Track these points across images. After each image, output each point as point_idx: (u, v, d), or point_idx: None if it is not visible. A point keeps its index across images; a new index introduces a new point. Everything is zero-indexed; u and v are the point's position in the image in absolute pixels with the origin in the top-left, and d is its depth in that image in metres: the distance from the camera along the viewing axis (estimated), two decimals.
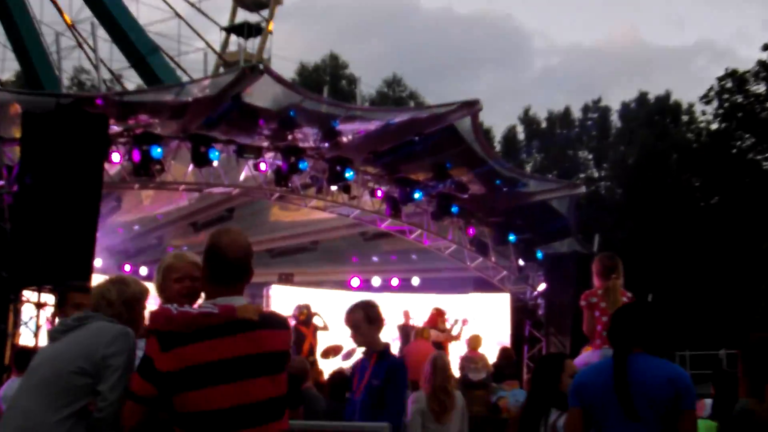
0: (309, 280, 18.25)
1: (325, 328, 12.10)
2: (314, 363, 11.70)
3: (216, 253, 3.02)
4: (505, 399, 10.79)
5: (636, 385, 3.48)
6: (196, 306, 3.14)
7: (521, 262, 17.41)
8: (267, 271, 17.54)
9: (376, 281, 19.09)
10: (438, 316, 13.31)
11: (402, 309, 16.07)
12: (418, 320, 15.08)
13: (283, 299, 16.20)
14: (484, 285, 17.79)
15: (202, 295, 3.15)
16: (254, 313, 2.96)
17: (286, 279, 17.77)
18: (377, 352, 5.14)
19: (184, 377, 2.84)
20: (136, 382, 2.92)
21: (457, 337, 13.66)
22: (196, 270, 3.45)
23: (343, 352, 13.87)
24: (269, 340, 2.98)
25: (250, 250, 3.08)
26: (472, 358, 11.82)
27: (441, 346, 12.25)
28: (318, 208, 15.38)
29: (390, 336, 16.62)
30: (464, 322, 14.03)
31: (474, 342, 12.26)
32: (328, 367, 12.67)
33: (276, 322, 3.09)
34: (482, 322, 15.92)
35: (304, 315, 13.37)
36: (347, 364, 13.59)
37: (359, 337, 5.24)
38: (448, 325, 13.63)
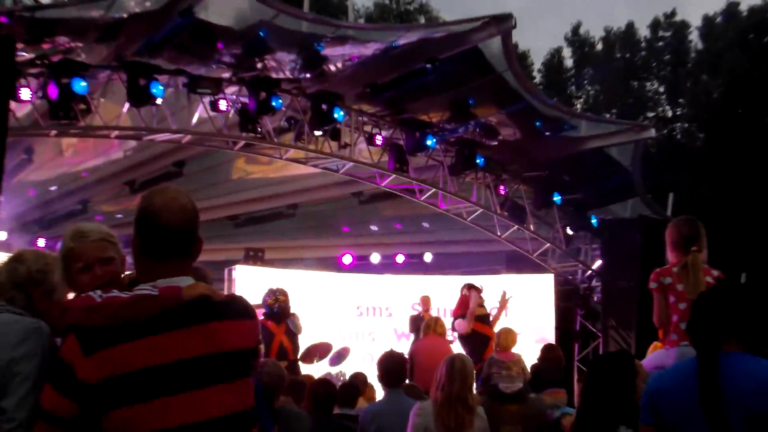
0: (285, 257, 18.58)
1: (297, 331, 12.07)
2: (295, 367, 11.73)
3: (147, 218, 3.00)
4: (571, 418, 10.78)
5: (730, 394, 3.44)
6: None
7: (569, 232, 17.74)
8: (229, 245, 17.91)
9: (375, 258, 19.59)
10: (475, 293, 13.05)
11: (410, 294, 16.46)
12: (442, 308, 15.32)
13: (251, 283, 16.41)
14: (519, 262, 18.16)
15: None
16: (210, 296, 2.97)
17: (254, 256, 17.96)
18: None
19: (116, 389, 2.79)
20: (50, 398, 2.82)
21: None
22: (108, 248, 3.45)
23: (332, 353, 14.15)
24: (230, 334, 2.98)
25: (194, 213, 3.07)
26: (503, 362, 10.99)
27: (485, 338, 12.38)
28: (297, 161, 15.50)
29: (399, 330, 17.30)
30: (503, 297, 14.10)
31: (505, 339, 11.45)
32: (309, 369, 12.98)
33: (238, 310, 3.09)
34: (518, 311, 16.20)
35: (277, 303, 12.82)
36: (336, 370, 14.18)
37: None
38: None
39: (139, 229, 3.01)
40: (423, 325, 12.26)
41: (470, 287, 13.10)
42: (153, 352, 2.83)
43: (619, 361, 4.99)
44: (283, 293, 12.16)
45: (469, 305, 12.78)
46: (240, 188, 17.63)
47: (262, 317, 11.85)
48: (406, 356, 8.32)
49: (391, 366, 7.51)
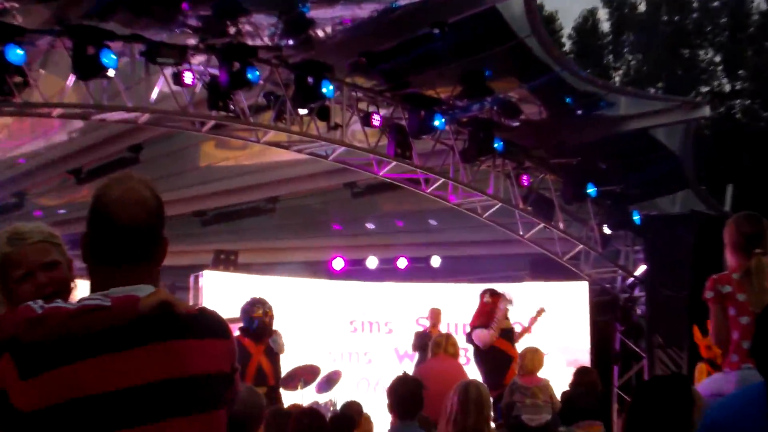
0: (264, 261, 18.62)
1: (279, 350, 12.02)
2: (275, 394, 11.65)
3: (102, 215, 2.98)
4: None
5: None
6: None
7: (607, 231, 17.74)
8: (196, 246, 17.95)
9: (372, 262, 19.71)
10: (494, 305, 13.17)
11: (414, 306, 16.71)
12: (453, 322, 15.43)
13: (221, 293, 16.39)
14: (546, 268, 18.24)
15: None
16: (173, 307, 2.92)
17: (226, 260, 18.10)
18: None
19: (58, 419, 2.74)
20: None
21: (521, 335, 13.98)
22: (51, 250, 3.45)
23: (320, 378, 14.14)
24: (197, 355, 2.95)
25: (157, 208, 3.04)
26: (527, 388, 11.80)
27: (507, 358, 12.56)
28: (278, 146, 15.58)
29: (400, 349, 17.33)
30: (538, 313, 14.36)
31: (531, 360, 12.11)
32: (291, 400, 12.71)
33: (209, 326, 3.06)
34: (545, 328, 15.86)
35: (267, 317, 12.55)
36: (325, 398, 14.13)
37: None
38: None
39: (92, 229, 2.98)
40: (431, 343, 12.24)
41: (494, 294, 13.22)
42: (104, 375, 2.78)
43: (671, 387, 4.72)
44: (263, 304, 12.03)
45: (492, 315, 12.90)
46: (209, 178, 17.58)
47: (238, 333, 11.69)
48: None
49: (406, 393, 7.52)
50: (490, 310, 13.03)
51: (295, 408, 9.74)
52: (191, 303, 13.46)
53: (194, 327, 2.97)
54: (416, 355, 15.47)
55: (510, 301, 13.18)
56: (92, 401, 2.75)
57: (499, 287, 15.86)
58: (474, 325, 13.07)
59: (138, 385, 2.81)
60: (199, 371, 2.93)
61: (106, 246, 2.95)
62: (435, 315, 15.65)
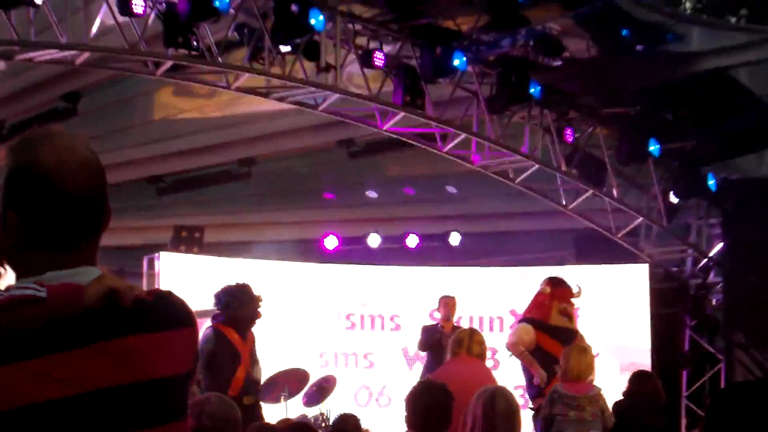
0: (236, 239, 18.85)
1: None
2: (256, 408, 12.00)
3: (30, 181, 2.92)
4: None
5: None
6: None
7: (673, 199, 17.87)
8: (150, 222, 18.31)
9: (373, 240, 19.72)
10: (560, 294, 13.37)
11: (426, 295, 16.77)
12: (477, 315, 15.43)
13: (182, 278, 16.61)
14: (596, 246, 18.47)
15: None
16: (124, 294, 2.85)
17: (188, 239, 18.07)
18: None
19: None
20: None
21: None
22: None
23: (309, 386, 14.29)
24: (156, 353, 2.90)
25: (100, 171, 3.00)
26: (573, 398, 11.83)
27: (554, 361, 12.53)
28: (254, 92, 15.59)
29: (410, 350, 17.89)
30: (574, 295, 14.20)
31: (576, 363, 12.08)
32: (276, 413, 12.98)
33: (169, 314, 2.99)
34: (593, 321, 16.24)
35: (242, 303, 12.74)
36: (314, 412, 14.58)
37: None
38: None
39: (14, 199, 2.92)
40: (452, 341, 12.21)
41: (555, 282, 13.49)
42: (40, 381, 2.73)
43: (755, 396, 4.68)
44: (247, 290, 12.35)
45: (549, 309, 13.16)
46: (166, 135, 17.59)
47: (217, 322, 12.07)
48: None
49: (431, 404, 7.52)
50: (543, 302, 13.25)
51: (284, 424, 9.73)
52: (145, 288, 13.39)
53: (152, 317, 2.91)
54: (425, 357, 15.71)
55: (576, 293, 13.36)
56: (25, 414, 2.72)
57: (533, 273, 17.00)
58: (521, 318, 13.31)
59: (85, 393, 2.77)
60: (161, 374, 2.89)
61: (41, 221, 2.90)
62: (448, 305, 15.57)
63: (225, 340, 12.06)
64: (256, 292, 12.66)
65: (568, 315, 13.30)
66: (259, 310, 12.25)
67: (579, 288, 13.59)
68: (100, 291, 2.81)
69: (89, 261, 2.94)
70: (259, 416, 11.79)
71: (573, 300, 13.52)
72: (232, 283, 12.39)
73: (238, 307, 12.09)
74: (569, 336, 13.05)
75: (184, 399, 3.00)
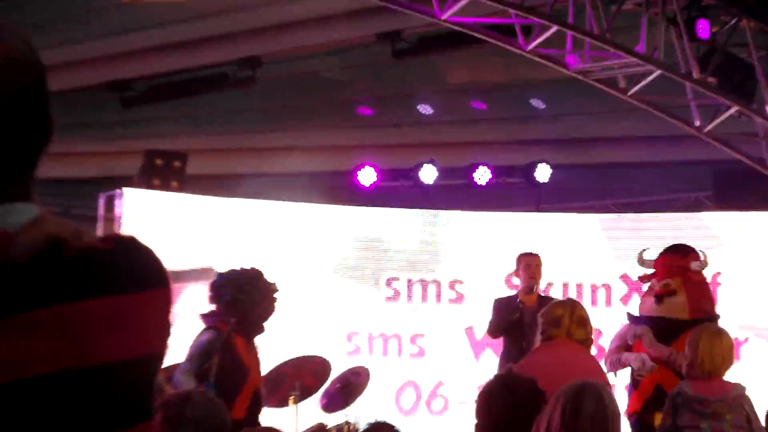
0: (232, 171, 18.38)
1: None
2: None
3: None
4: None
5: None
6: None
7: None
8: (110, 145, 18.01)
9: (427, 174, 18.57)
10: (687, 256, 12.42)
11: (504, 252, 15.90)
12: (574, 281, 15.88)
13: (154, 225, 15.89)
14: (741, 185, 17.82)
15: None
16: (71, 243, 2.40)
17: (165, 168, 17.26)
18: None
19: None
20: None
21: None
22: None
23: (330, 381, 13.45)
24: (112, 326, 2.44)
25: (40, 71, 2.51)
26: (705, 401, 10.96)
27: None
28: None
29: (478, 331, 16.66)
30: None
31: (709, 352, 11.19)
32: (280, 419, 12.70)
33: (132, 271, 2.48)
34: (737, 292, 15.89)
35: (254, 301, 11.92)
36: (337, 420, 13.82)
37: None
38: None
39: None
40: (544, 318, 11.00)
41: (676, 250, 12.61)
42: None
43: None
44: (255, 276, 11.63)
45: (684, 272, 12.39)
46: (133, 24, 16.71)
47: (218, 322, 11.30)
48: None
49: (515, 405, 7.33)
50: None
51: None
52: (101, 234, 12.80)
53: (108, 275, 2.46)
54: (500, 342, 14.41)
55: (702, 263, 12.50)
56: None
57: (659, 222, 16.96)
58: (645, 314, 12.26)
59: (12, 381, 2.36)
60: (119, 355, 2.46)
61: None
62: (531, 267, 13.98)
63: (231, 350, 11.47)
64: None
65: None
66: (274, 304, 11.59)
67: (703, 256, 12.68)
68: (36, 239, 2.49)
69: (21, 196, 2.57)
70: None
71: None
72: (237, 268, 11.53)
73: (249, 306, 11.32)
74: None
75: (150, 392, 2.60)
